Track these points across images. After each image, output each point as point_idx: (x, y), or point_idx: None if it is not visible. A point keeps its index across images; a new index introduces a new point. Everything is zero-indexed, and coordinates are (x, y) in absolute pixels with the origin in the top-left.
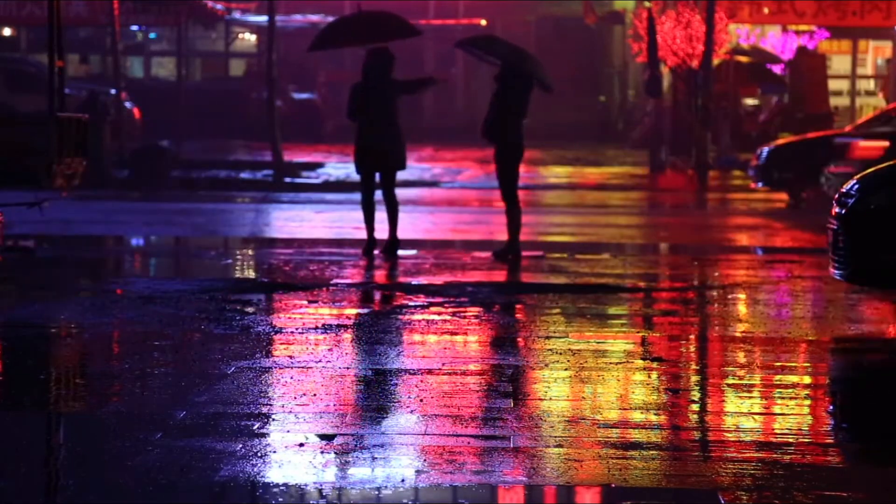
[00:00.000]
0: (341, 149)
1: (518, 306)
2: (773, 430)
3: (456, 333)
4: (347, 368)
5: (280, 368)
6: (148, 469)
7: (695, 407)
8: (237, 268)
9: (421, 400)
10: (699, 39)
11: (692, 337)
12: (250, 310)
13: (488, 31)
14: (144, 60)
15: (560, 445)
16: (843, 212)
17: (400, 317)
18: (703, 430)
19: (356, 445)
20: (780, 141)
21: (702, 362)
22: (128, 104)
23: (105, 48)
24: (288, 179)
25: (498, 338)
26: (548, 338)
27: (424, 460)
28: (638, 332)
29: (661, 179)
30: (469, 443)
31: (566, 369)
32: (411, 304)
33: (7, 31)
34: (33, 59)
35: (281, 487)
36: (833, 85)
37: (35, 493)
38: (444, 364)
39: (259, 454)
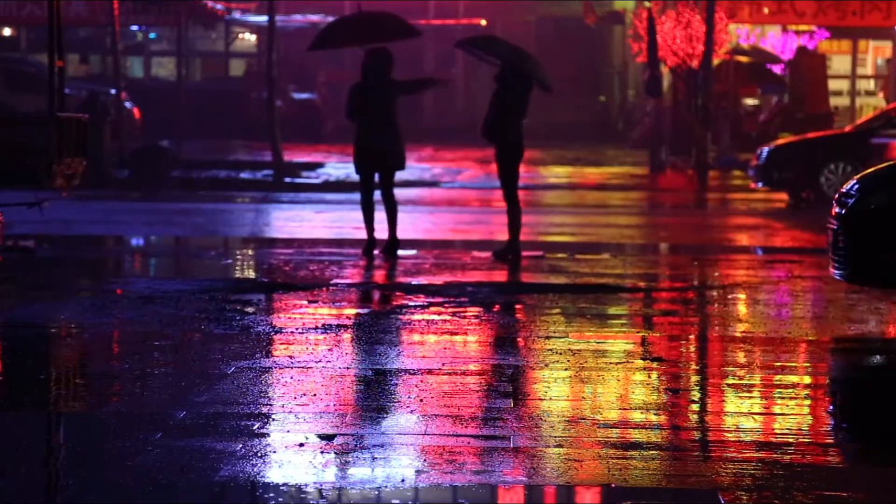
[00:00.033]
0: (341, 149)
1: (518, 306)
2: (773, 430)
3: (456, 333)
4: (347, 368)
5: (280, 368)
6: (148, 469)
7: (695, 407)
8: (237, 268)
9: (421, 400)
10: (699, 39)
11: (692, 337)
12: (250, 310)
13: (488, 31)
14: (144, 60)
15: (560, 445)
16: (843, 212)
17: (400, 317)
18: (703, 430)
19: (356, 445)
20: (780, 141)
21: (702, 362)
22: (128, 104)
23: (105, 48)
24: (288, 179)
25: (498, 338)
26: (548, 338)
27: (424, 460)
28: (638, 332)
29: (661, 179)
30: (469, 443)
31: (566, 369)
32: (411, 304)
33: (7, 31)
34: (33, 59)
35: (281, 487)
36: (833, 85)
37: (35, 493)
38: (444, 364)
39: (259, 454)
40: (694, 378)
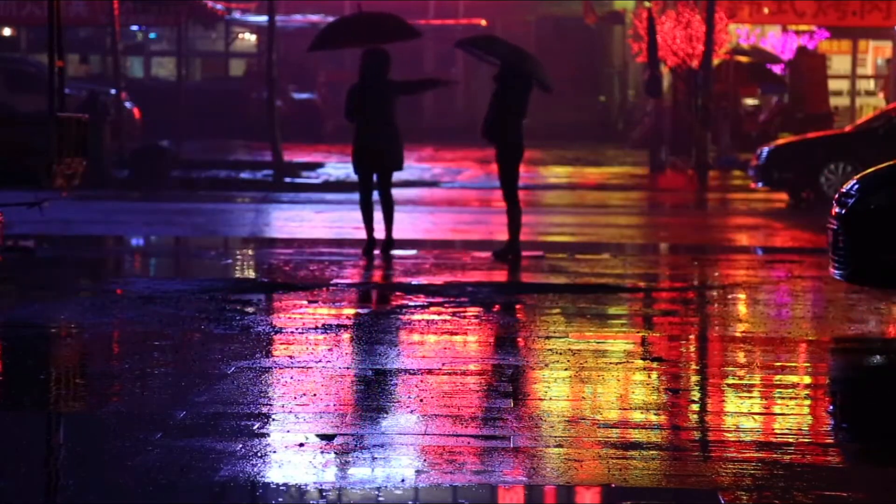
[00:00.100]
0: (341, 149)
1: (518, 306)
2: (773, 430)
3: (456, 333)
4: (347, 368)
5: (280, 368)
6: (148, 469)
7: (695, 407)
8: (237, 268)
9: (421, 400)
10: (699, 39)
11: (692, 337)
12: (250, 310)
13: (488, 31)
14: (144, 60)
15: (560, 445)
16: (843, 212)
17: (400, 317)
18: (703, 430)
19: (356, 445)
20: (780, 141)
21: (702, 362)
22: (128, 104)
23: (105, 48)
24: (288, 179)
25: (498, 338)
26: (548, 338)
27: (424, 460)
28: (638, 332)
29: (661, 179)
30: (469, 443)
31: (566, 369)
32: (411, 304)
33: (7, 31)
34: (33, 59)
35: (281, 487)
36: (833, 85)
37: (35, 493)
38: (444, 364)
39: (259, 454)
40: (694, 378)
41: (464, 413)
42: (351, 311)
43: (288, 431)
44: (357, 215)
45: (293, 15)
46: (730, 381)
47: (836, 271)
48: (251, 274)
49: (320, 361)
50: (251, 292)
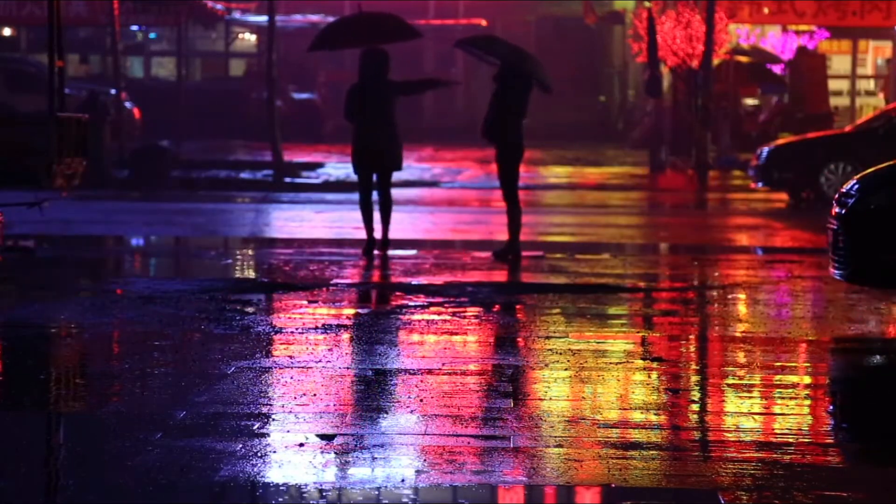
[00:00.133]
0: (341, 149)
1: (518, 306)
2: (773, 430)
3: (456, 333)
4: (347, 368)
5: (280, 368)
6: (148, 469)
7: (695, 407)
8: (237, 268)
9: (421, 400)
10: (699, 39)
11: (692, 337)
12: (250, 310)
13: (488, 31)
14: (144, 60)
15: (560, 445)
16: (843, 212)
17: (400, 317)
18: (703, 430)
19: (356, 445)
20: (780, 141)
21: (702, 362)
22: (128, 104)
23: (105, 48)
24: (288, 179)
25: (498, 338)
26: (548, 338)
27: (424, 460)
28: (638, 332)
29: (661, 179)
30: (469, 443)
31: (566, 369)
32: (411, 304)
33: (7, 31)
34: (33, 59)
35: (281, 487)
36: (833, 85)
37: (35, 493)
38: (444, 364)
39: (259, 454)
40: (694, 378)
41: (464, 413)
42: (351, 311)
43: (288, 431)
44: (357, 215)
45: (293, 15)
46: (730, 381)
47: (836, 271)
48: (251, 274)
49: (320, 361)
50: (251, 292)
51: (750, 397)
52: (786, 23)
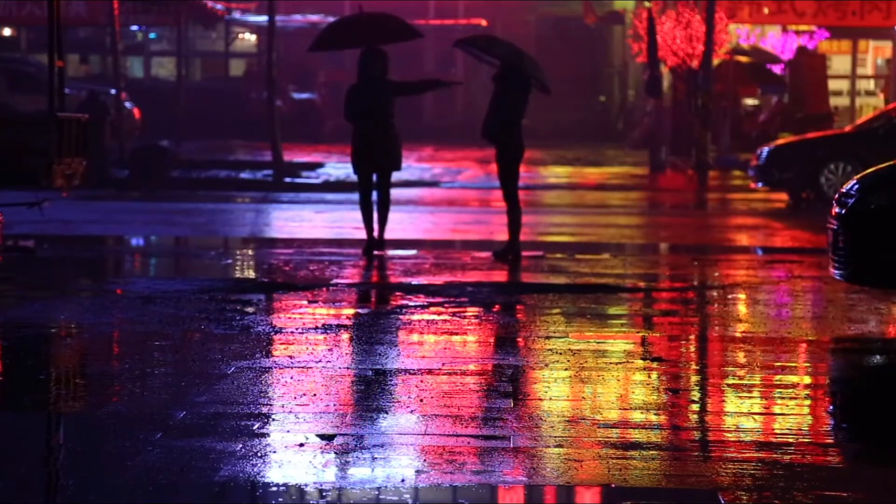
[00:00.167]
0: (341, 149)
1: (518, 306)
2: (773, 430)
3: (456, 333)
4: (347, 368)
5: (280, 368)
6: (148, 469)
7: (695, 407)
8: (237, 268)
9: (421, 400)
10: (699, 39)
11: (692, 337)
12: (250, 310)
13: (488, 31)
14: (144, 60)
15: (560, 445)
16: (843, 212)
17: (400, 317)
18: (703, 430)
19: (356, 445)
20: (780, 141)
21: (702, 362)
22: (128, 104)
23: (105, 48)
24: (288, 179)
25: (498, 338)
26: (548, 338)
27: (424, 460)
28: (638, 332)
29: (661, 179)
30: (469, 443)
31: (566, 369)
32: (411, 304)
33: (7, 31)
34: (33, 59)
35: (281, 487)
36: (833, 85)
37: (35, 493)
38: (444, 364)
39: (259, 454)
40: (694, 378)
41: (464, 413)
42: (351, 311)
43: (288, 431)
44: (357, 215)
45: (293, 15)
46: (730, 381)
47: (836, 271)
48: (251, 274)
49: (320, 361)
50: (251, 292)
51: (750, 397)
52: (786, 23)
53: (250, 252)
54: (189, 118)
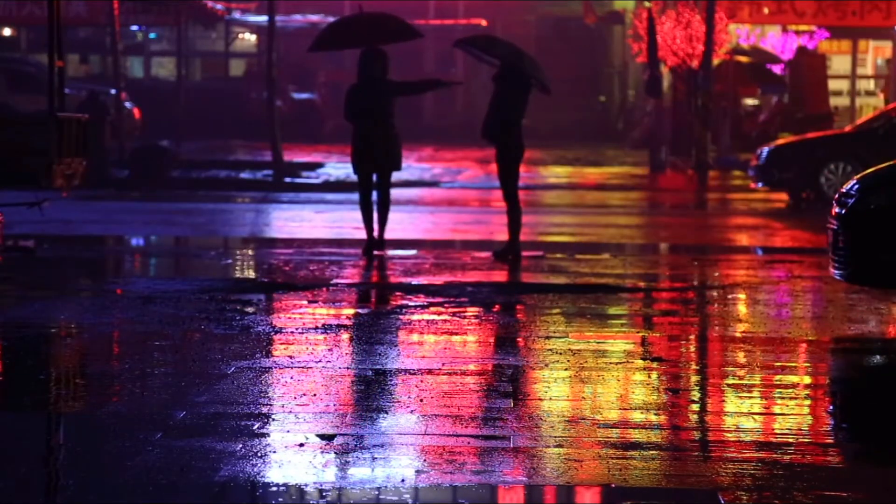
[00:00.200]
0: (341, 149)
1: (518, 306)
2: (773, 430)
3: (456, 333)
4: (347, 368)
5: (280, 368)
6: (148, 469)
7: (695, 407)
8: (237, 268)
9: (421, 400)
10: (699, 39)
11: (692, 337)
12: (250, 310)
13: (488, 31)
14: (144, 60)
15: (560, 445)
16: (843, 212)
17: (400, 317)
18: (703, 430)
19: (356, 445)
20: (780, 141)
21: (702, 362)
22: (128, 104)
23: (105, 48)
24: (288, 179)
25: (498, 338)
26: (548, 338)
27: (424, 460)
28: (638, 332)
29: (661, 179)
30: (469, 443)
31: (566, 369)
32: (411, 304)
33: (7, 31)
34: (33, 59)
35: (281, 487)
36: (833, 85)
37: (35, 493)
38: (444, 364)
39: (259, 454)
40: (694, 378)
41: (464, 413)
42: (351, 311)
43: (288, 431)
44: (357, 215)
45: (293, 15)
46: (730, 381)
47: (836, 271)
48: (251, 274)
49: (320, 361)
50: (251, 292)
51: (750, 397)
52: (786, 23)
53: (250, 252)
54: (189, 118)
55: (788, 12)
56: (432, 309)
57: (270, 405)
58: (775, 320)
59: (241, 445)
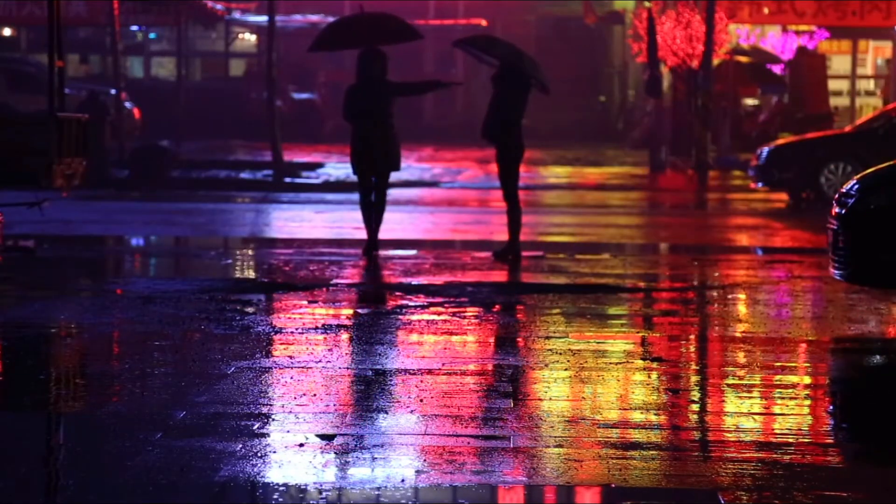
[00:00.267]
0: (341, 149)
1: (518, 306)
2: (773, 430)
3: (456, 333)
4: (347, 368)
5: (280, 368)
6: (148, 469)
7: (695, 407)
8: (237, 268)
9: (421, 400)
10: (699, 39)
11: (692, 337)
12: (250, 310)
13: (488, 31)
14: (144, 60)
15: (560, 445)
16: (843, 212)
17: (400, 317)
18: (703, 430)
19: (356, 445)
20: (780, 141)
21: (702, 362)
22: (128, 104)
23: (105, 48)
24: (288, 179)
25: (498, 338)
26: (548, 338)
27: (424, 460)
28: (638, 332)
29: (661, 179)
30: (469, 443)
31: (566, 369)
32: (411, 304)
33: (7, 31)
34: (33, 59)
35: (281, 487)
36: (833, 85)
37: (35, 493)
38: (444, 364)
39: (259, 454)
40: (694, 378)
41: (464, 413)
42: (351, 311)
43: (288, 431)
44: (357, 215)
45: (293, 15)
46: (730, 381)
47: (836, 271)
48: (251, 274)
49: (320, 361)
50: (251, 292)
51: (750, 397)
52: (786, 23)
53: (250, 252)
54: (189, 118)
55: (788, 12)
56: (432, 309)
57: (270, 405)
58: (775, 320)
59: (241, 445)
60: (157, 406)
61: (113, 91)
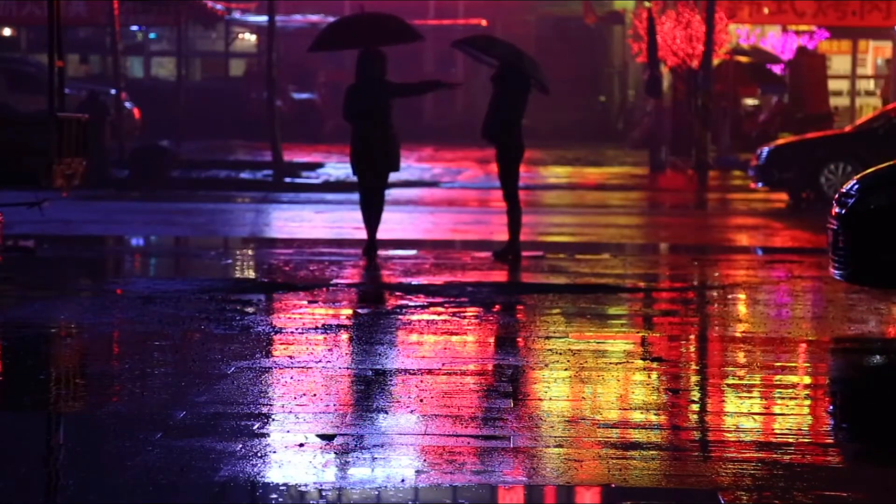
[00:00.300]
0: (341, 149)
1: (518, 306)
2: (773, 430)
3: (456, 333)
4: (347, 368)
5: (280, 368)
6: (148, 469)
7: (695, 407)
8: (237, 268)
9: (421, 400)
10: (699, 39)
11: (692, 337)
12: (250, 310)
13: (488, 31)
14: (144, 60)
15: (560, 445)
16: (843, 212)
17: (400, 317)
18: (703, 430)
19: (356, 445)
20: (780, 141)
21: (702, 362)
22: (128, 104)
23: (105, 48)
24: (288, 179)
25: (498, 338)
26: (548, 338)
27: (424, 460)
28: (638, 332)
29: (661, 179)
30: (469, 443)
31: (566, 369)
32: (411, 304)
33: (7, 31)
34: (33, 59)
35: (281, 487)
36: (833, 85)
37: (35, 493)
38: (444, 364)
39: (259, 454)
40: (694, 378)
41: (464, 413)
42: (351, 311)
43: (288, 431)
44: (357, 215)
45: (293, 15)
46: (730, 381)
47: (836, 271)
48: (251, 274)
49: (320, 361)
50: (251, 292)
51: (750, 397)
52: (786, 23)
53: (250, 252)
54: (189, 118)
55: (788, 12)
56: (432, 309)
57: (270, 405)
58: (775, 320)
59: (241, 445)
60: (157, 406)
61: (113, 91)
